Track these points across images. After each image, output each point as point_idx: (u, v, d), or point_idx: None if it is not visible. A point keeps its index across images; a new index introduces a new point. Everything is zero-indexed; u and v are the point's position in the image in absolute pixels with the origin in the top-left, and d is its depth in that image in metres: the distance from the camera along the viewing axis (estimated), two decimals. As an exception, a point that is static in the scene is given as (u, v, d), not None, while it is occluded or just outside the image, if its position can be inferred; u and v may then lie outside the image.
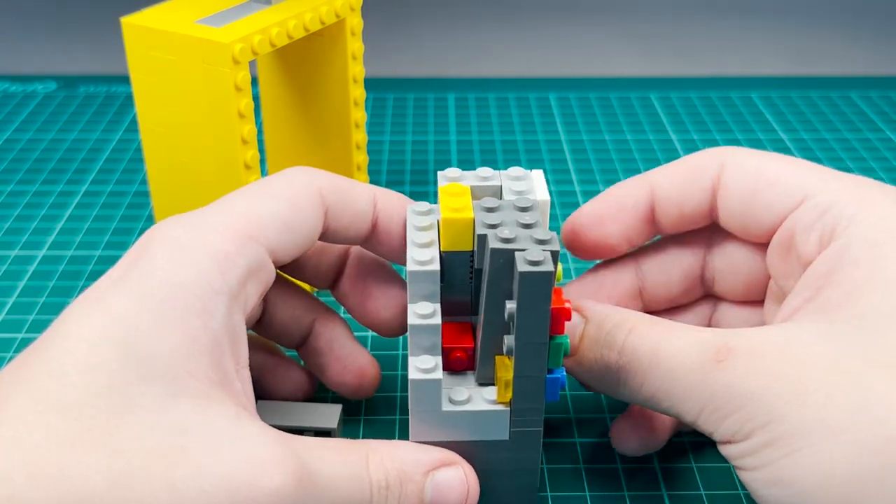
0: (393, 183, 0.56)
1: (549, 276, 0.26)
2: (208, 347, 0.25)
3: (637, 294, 0.35)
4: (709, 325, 0.35)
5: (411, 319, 0.29)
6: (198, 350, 0.25)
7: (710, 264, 0.34)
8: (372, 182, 0.55)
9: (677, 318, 0.35)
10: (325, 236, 0.31)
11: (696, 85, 0.72)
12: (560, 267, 0.29)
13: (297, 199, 0.30)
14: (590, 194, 0.55)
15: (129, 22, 0.38)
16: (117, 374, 0.24)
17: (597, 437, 0.36)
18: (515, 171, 0.32)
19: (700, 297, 0.35)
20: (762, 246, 0.32)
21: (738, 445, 0.26)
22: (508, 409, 0.29)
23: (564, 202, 0.54)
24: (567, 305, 0.28)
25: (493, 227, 0.28)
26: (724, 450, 0.27)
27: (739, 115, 0.66)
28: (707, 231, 0.34)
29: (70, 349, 0.24)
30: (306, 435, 0.32)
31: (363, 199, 0.31)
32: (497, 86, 0.71)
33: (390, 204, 0.32)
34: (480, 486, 0.30)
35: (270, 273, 0.29)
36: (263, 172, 0.52)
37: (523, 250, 0.26)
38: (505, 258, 0.27)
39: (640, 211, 0.33)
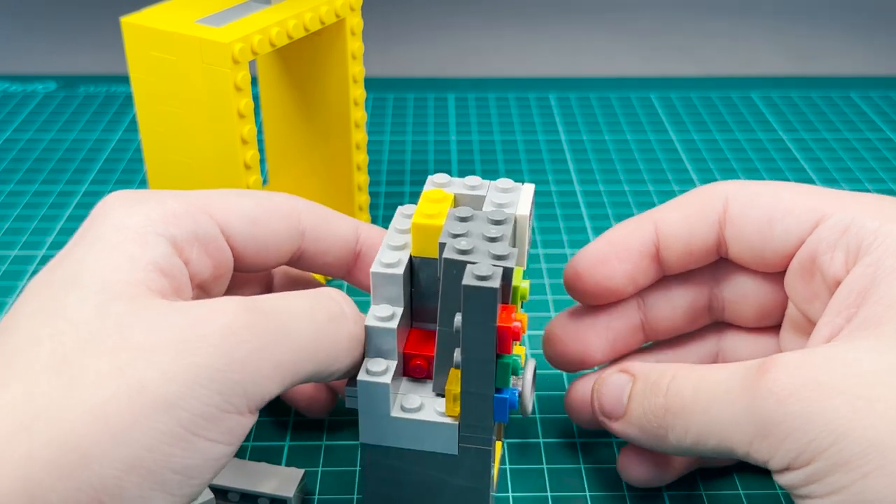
0: (393, 183, 0.56)
1: (493, 293, 0.25)
2: (149, 266, 0.26)
3: (639, 327, 0.34)
4: (717, 353, 0.34)
5: (368, 321, 0.28)
6: (135, 267, 0.25)
7: (718, 294, 0.33)
8: (372, 182, 0.55)
9: (683, 346, 0.34)
10: (303, 261, 0.31)
11: (696, 85, 0.72)
12: (526, 284, 0.28)
13: (269, 205, 0.30)
14: (590, 194, 0.55)
15: (129, 22, 0.38)
16: (45, 290, 0.25)
17: (597, 437, 0.36)
18: (505, 182, 0.31)
19: (706, 325, 0.34)
20: (773, 274, 0.32)
21: (800, 472, 0.23)
22: (457, 423, 0.28)
23: (565, 202, 0.54)
24: (515, 325, 0.26)
25: (458, 236, 0.28)
26: (783, 479, 0.24)
27: (739, 115, 0.66)
28: (711, 263, 0.33)
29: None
30: (260, 502, 0.32)
31: (345, 228, 0.32)
32: (497, 86, 0.71)
33: (374, 237, 0.32)
34: (429, 499, 0.30)
35: (224, 252, 0.29)
36: (263, 172, 0.52)
37: (475, 263, 0.26)
38: (458, 269, 0.27)
39: (645, 250, 0.32)
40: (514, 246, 0.30)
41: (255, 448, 0.36)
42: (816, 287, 0.29)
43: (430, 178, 0.32)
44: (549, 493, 0.34)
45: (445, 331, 0.28)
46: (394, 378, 0.29)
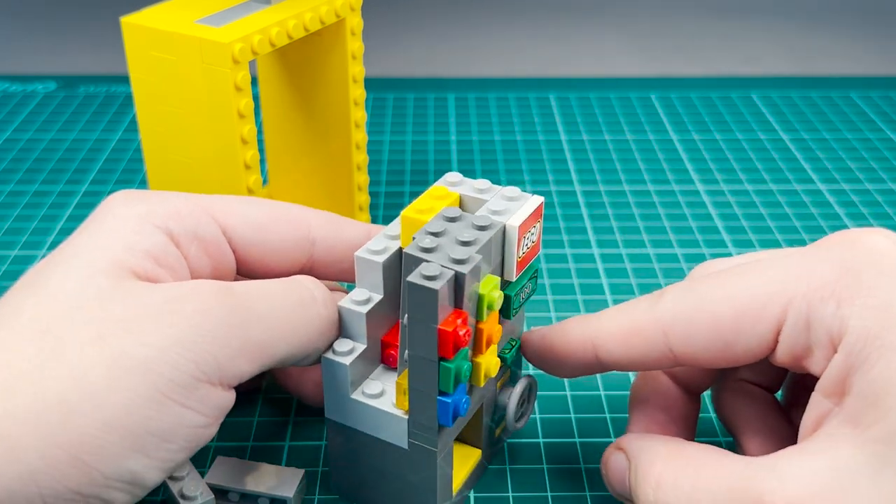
0: (393, 183, 0.56)
1: (433, 294, 0.25)
2: (140, 252, 0.27)
3: (687, 398, 0.33)
4: None
5: (341, 302, 0.29)
6: (126, 250, 0.27)
7: None
8: (372, 182, 0.55)
9: None
10: (317, 270, 0.32)
11: (696, 85, 0.72)
12: (498, 295, 0.28)
13: (277, 213, 0.31)
14: (590, 194, 0.55)
15: (129, 22, 0.38)
16: (38, 269, 0.27)
17: (597, 437, 0.36)
18: (511, 191, 0.30)
19: None
20: None
21: None
22: (406, 417, 0.29)
23: (564, 202, 0.54)
24: (461, 332, 0.26)
25: (433, 234, 0.28)
26: None
27: (739, 115, 0.66)
28: None
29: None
30: (260, 502, 0.32)
31: (357, 234, 0.32)
32: (497, 86, 0.71)
33: None
34: (384, 483, 0.31)
35: (225, 254, 0.30)
36: (263, 172, 0.52)
37: (430, 262, 0.26)
38: (416, 266, 0.27)
39: (586, 364, 0.31)
40: (501, 255, 0.29)
41: (254, 448, 0.36)
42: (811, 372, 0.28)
43: (445, 175, 0.32)
44: (549, 493, 0.34)
45: (404, 325, 0.29)
46: (370, 363, 0.30)
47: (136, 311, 0.25)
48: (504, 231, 0.29)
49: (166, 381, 0.24)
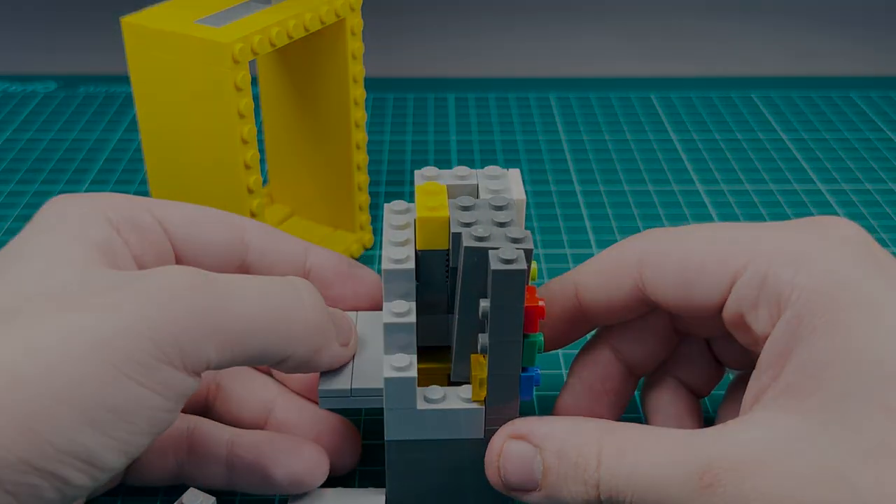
0: (393, 183, 0.56)
1: (521, 275, 0.26)
2: (88, 242, 0.28)
3: (626, 375, 0.33)
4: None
5: (386, 318, 0.29)
6: (77, 241, 0.27)
7: (678, 319, 0.33)
8: (372, 182, 0.55)
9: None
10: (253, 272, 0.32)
11: (696, 85, 0.72)
12: (534, 266, 0.29)
13: (212, 213, 0.32)
14: (590, 194, 0.55)
15: (129, 22, 0.38)
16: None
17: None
18: (492, 169, 0.32)
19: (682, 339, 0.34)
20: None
21: None
22: (483, 407, 0.29)
23: (564, 202, 0.54)
24: (541, 304, 0.27)
25: (468, 225, 0.28)
26: None
27: (739, 115, 0.66)
28: None
29: None
30: None
31: (293, 245, 0.33)
32: (497, 86, 0.71)
33: (324, 258, 0.33)
34: (453, 485, 0.31)
35: (163, 244, 0.30)
36: (263, 172, 0.52)
37: (497, 248, 0.26)
38: (478, 256, 0.27)
39: (568, 315, 0.32)
40: None
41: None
42: (755, 339, 0.28)
43: (418, 172, 0.32)
44: (549, 493, 0.33)
45: (466, 318, 0.29)
46: None
47: (97, 289, 0.25)
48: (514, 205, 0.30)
49: (123, 357, 0.24)
